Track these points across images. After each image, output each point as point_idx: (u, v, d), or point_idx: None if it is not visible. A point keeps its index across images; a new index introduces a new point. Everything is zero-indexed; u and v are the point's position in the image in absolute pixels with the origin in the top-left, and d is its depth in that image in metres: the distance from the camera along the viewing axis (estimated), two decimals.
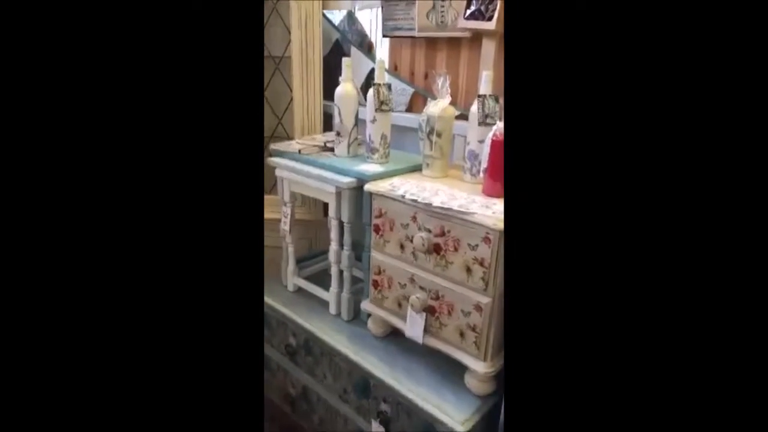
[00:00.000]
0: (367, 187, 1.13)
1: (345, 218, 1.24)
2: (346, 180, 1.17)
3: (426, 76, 1.48)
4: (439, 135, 1.16)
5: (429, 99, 1.43)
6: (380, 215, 1.12)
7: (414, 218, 1.05)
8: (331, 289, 1.34)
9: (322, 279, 1.46)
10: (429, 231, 1.02)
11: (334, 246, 1.29)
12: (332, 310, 1.35)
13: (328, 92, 1.64)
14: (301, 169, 1.27)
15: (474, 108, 1.11)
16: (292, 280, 1.47)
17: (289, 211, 1.38)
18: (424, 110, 1.35)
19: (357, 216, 1.25)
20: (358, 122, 1.33)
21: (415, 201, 1.02)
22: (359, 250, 1.26)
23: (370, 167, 1.22)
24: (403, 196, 1.04)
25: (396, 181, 1.14)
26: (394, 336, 1.22)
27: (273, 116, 1.70)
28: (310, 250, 1.71)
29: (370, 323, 1.27)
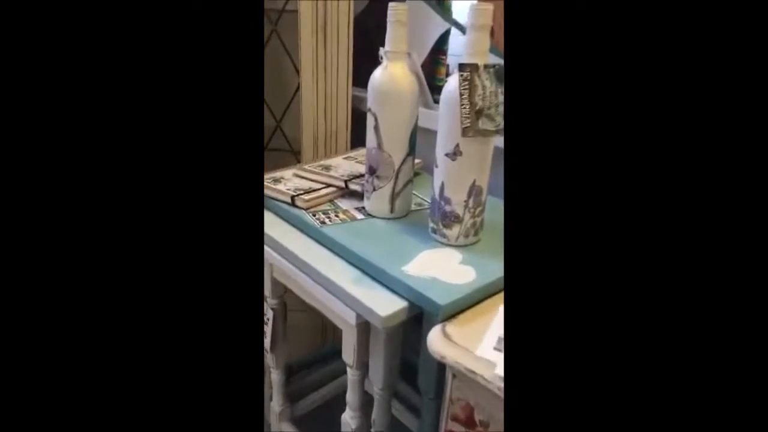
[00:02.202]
0: (438, 345, 0.42)
1: (377, 380, 0.55)
2: (383, 303, 0.48)
3: None
4: None
5: None
6: (470, 422, 0.43)
7: None
8: None
9: (335, 409, 0.79)
10: None
11: (350, 422, 0.61)
12: None
13: (362, 75, 0.93)
14: (293, 250, 0.58)
15: None
16: (279, 425, 0.81)
17: (271, 314, 0.71)
18: None
19: (404, 377, 0.56)
20: (415, 142, 0.62)
21: None
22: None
23: (442, 264, 0.52)
24: None
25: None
26: None
27: (268, 115, 1.02)
28: (321, 341, 1.05)
29: None
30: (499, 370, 0.38)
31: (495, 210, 0.61)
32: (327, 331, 1.06)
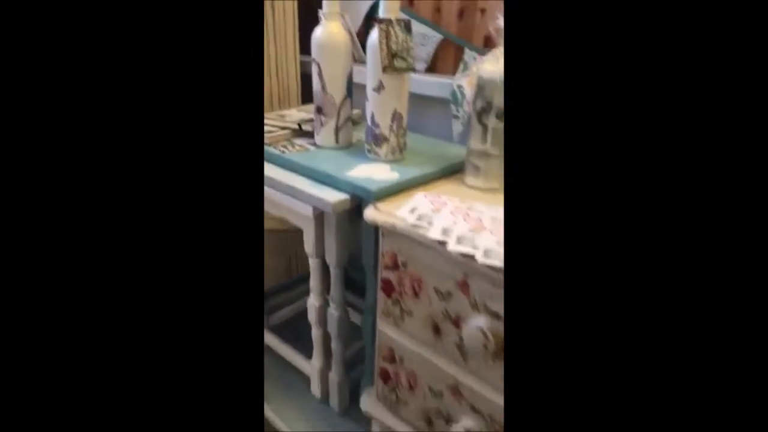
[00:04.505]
0: (372, 214, 0.61)
1: (332, 259, 0.73)
2: (331, 196, 0.66)
3: (461, 14, 0.94)
4: (500, 117, 0.63)
5: (467, 51, 0.90)
6: (395, 266, 0.62)
7: (464, 285, 0.54)
8: (313, 362, 0.85)
9: (305, 324, 0.96)
10: (496, 316, 0.52)
11: (314, 301, 0.79)
12: (315, 391, 0.87)
13: (309, 43, 1.09)
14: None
15: None
16: None
17: None
18: (463, 70, 0.82)
19: (354, 254, 0.75)
20: (353, 90, 0.79)
21: (469, 258, 0.51)
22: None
23: (375, 170, 0.70)
24: (442, 242, 0.53)
25: (421, 201, 0.62)
26: None
27: None
28: (287, 272, 1.21)
29: (375, 426, 0.78)
30: (411, 219, 0.56)
31: (414, 141, 0.79)
32: (292, 269, 1.22)
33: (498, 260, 0.48)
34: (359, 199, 0.66)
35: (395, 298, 0.63)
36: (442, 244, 0.52)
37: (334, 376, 0.82)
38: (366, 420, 0.80)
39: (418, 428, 0.67)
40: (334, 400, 0.84)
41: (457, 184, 0.70)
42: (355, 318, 0.99)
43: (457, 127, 0.89)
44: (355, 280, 0.99)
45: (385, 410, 0.71)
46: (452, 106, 0.88)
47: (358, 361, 0.84)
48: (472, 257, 0.50)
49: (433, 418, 0.64)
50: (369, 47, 0.69)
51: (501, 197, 0.64)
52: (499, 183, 0.67)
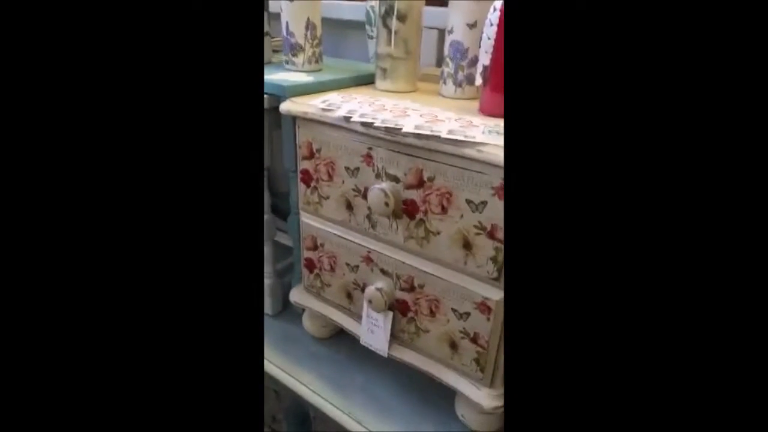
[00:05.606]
0: (287, 106, 0.66)
1: None
2: None
3: None
4: (402, 19, 0.70)
5: None
6: (311, 155, 0.67)
7: (368, 157, 0.61)
8: None
9: None
10: (395, 180, 0.59)
11: None
12: None
13: None
14: None
15: None
16: None
17: None
18: None
19: (275, 157, 0.80)
20: (270, 17, 0.83)
21: (368, 125, 0.57)
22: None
23: (292, 76, 0.75)
24: (347, 118, 0.59)
25: (333, 96, 0.68)
26: (344, 339, 0.82)
27: None
28: None
29: (306, 320, 0.85)
30: (322, 105, 0.62)
31: (333, 62, 0.84)
32: None
33: (392, 124, 0.55)
34: (278, 98, 0.71)
35: (313, 186, 0.69)
36: (347, 119, 0.59)
37: (266, 280, 0.88)
38: (297, 318, 0.87)
39: (342, 305, 0.74)
40: (267, 304, 0.90)
41: (368, 89, 0.76)
42: (285, 240, 1.05)
43: (372, 47, 0.95)
44: (281, 208, 1.04)
45: (311, 297, 0.78)
46: (367, 27, 0.94)
47: (288, 272, 0.90)
48: (371, 125, 0.57)
49: (351, 291, 0.71)
50: None
51: (407, 96, 0.71)
52: (406, 86, 0.74)
